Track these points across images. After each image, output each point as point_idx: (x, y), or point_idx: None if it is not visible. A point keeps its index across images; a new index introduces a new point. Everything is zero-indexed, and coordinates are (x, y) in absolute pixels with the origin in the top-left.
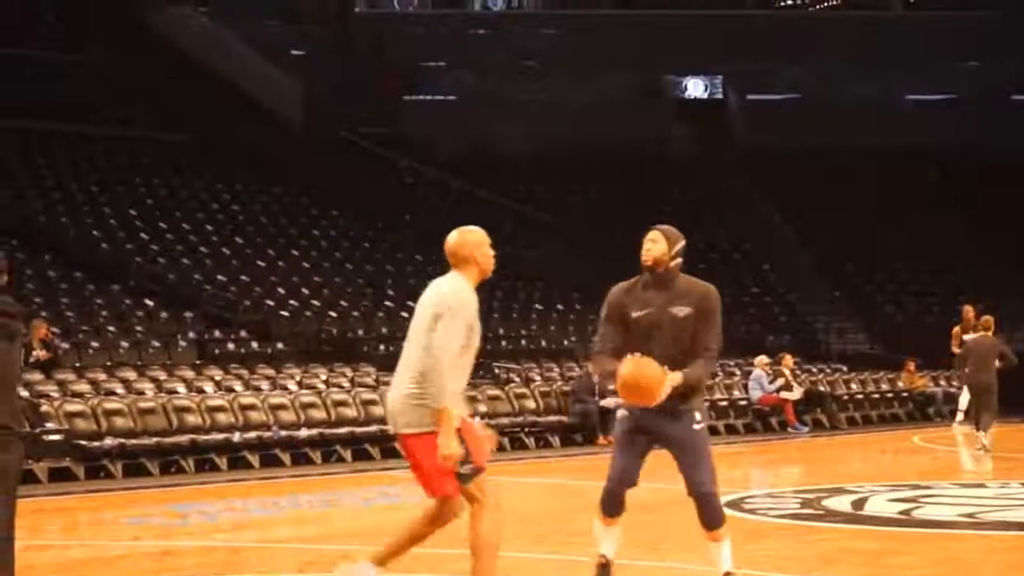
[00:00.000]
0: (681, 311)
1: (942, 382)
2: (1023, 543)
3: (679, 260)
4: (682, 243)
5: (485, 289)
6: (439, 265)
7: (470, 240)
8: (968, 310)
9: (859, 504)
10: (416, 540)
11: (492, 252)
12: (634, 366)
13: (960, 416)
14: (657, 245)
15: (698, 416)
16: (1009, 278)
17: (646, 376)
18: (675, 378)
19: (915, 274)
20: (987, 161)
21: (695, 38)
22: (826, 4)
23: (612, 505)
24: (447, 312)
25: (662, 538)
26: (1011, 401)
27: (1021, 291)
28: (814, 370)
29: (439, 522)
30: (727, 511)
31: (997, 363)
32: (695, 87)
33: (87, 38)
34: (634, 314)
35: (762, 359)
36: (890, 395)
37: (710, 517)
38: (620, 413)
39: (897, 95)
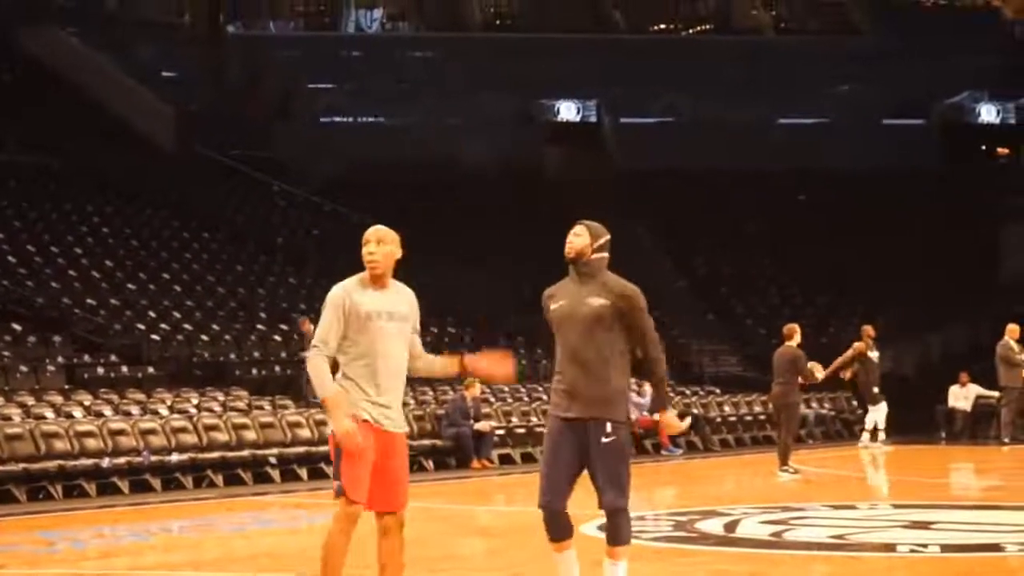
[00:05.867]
0: (596, 301)
1: (813, 404)
2: (892, 564)
3: (603, 255)
4: (607, 237)
5: None
6: (313, 288)
7: None
8: (868, 328)
9: (731, 526)
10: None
11: (365, 249)
12: None
13: (882, 436)
14: (580, 238)
15: (608, 428)
16: (878, 300)
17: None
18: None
19: (787, 297)
20: (859, 185)
21: (568, 62)
22: (698, 28)
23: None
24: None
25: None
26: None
27: (889, 313)
28: (688, 392)
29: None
30: (598, 534)
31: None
32: (568, 110)
33: None
34: (552, 307)
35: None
36: (762, 417)
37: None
38: None
39: (769, 119)
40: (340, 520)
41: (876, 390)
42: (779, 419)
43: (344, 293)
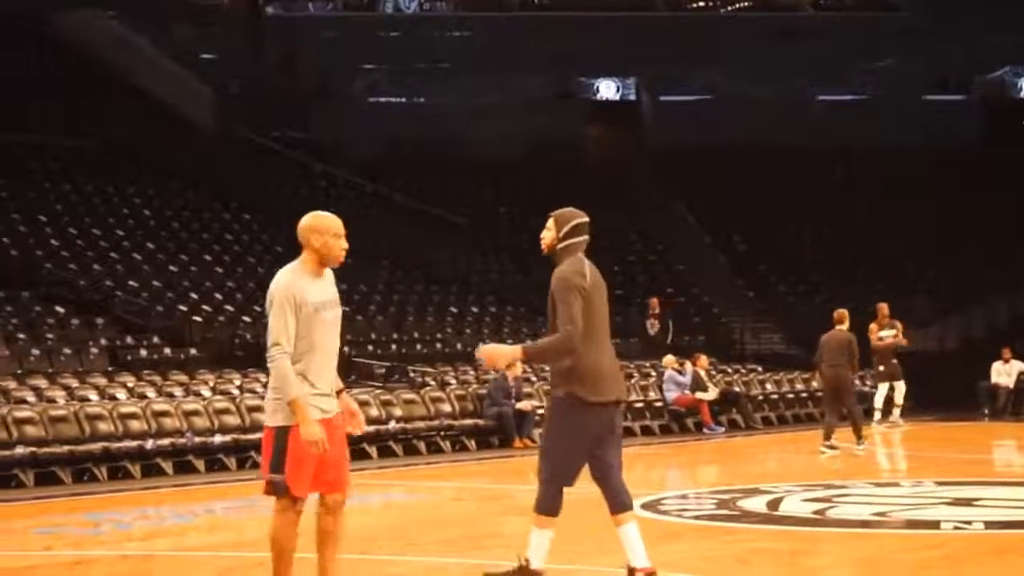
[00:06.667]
0: (551, 289)
1: (856, 380)
2: (935, 542)
3: (572, 241)
4: (575, 222)
5: (399, 292)
6: (353, 269)
7: (312, 225)
8: (883, 307)
9: (774, 504)
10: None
11: (338, 242)
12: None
13: (877, 415)
14: (549, 232)
15: (547, 402)
16: (919, 277)
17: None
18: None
19: (827, 274)
20: (899, 160)
21: (607, 40)
22: (737, 6)
23: None
24: (269, 303)
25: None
26: (923, 400)
27: (930, 289)
28: (729, 370)
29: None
30: (644, 512)
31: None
32: (607, 88)
33: None
34: None
35: (670, 358)
36: (804, 395)
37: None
38: None
39: (808, 95)
40: (286, 514)
41: (882, 368)
42: (831, 400)
43: (292, 288)
